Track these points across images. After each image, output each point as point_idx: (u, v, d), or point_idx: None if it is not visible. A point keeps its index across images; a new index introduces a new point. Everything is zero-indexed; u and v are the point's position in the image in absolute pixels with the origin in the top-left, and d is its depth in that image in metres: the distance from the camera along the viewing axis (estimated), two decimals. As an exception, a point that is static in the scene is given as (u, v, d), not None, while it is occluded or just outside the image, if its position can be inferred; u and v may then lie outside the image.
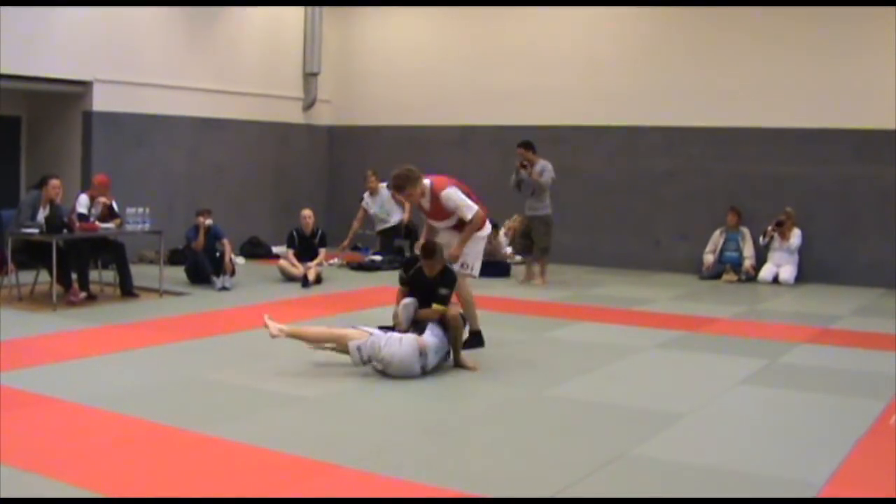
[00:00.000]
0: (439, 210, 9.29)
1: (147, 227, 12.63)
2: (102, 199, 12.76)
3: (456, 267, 9.19)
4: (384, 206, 16.45)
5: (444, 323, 8.70)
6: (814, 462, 6.20)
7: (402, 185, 9.13)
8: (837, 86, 15.20)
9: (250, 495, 5.36)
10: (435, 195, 9.21)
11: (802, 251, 15.38)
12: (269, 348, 9.44)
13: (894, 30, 14.79)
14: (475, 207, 9.25)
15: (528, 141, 14.83)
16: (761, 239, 15.54)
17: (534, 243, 14.87)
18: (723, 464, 6.17)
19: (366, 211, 16.47)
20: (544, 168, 14.56)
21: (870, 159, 15.10)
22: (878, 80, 14.87)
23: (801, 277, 15.36)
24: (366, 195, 16.50)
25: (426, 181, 9.20)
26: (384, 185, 15.59)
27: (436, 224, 9.46)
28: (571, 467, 6.01)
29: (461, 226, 9.30)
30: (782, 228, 15.31)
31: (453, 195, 9.22)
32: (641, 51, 16.86)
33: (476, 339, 9.50)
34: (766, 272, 15.45)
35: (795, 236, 15.30)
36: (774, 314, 12.66)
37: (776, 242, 15.45)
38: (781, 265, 15.40)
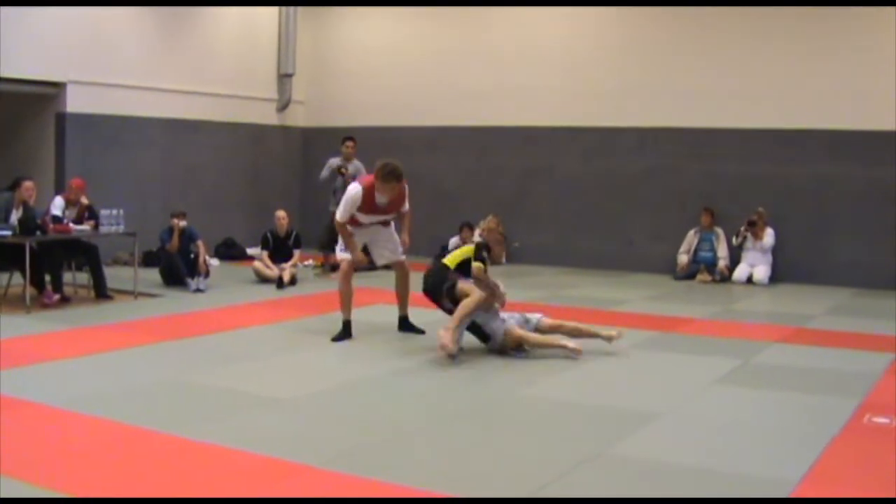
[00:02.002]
0: (398, 203, 9.99)
1: (121, 228, 12.60)
2: (84, 201, 12.76)
3: (401, 253, 10.30)
4: None
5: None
6: (788, 460, 6.23)
7: (402, 176, 9.69)
8: (811, 86, 15.29)
9: (226, 497, 5.35)
10: (401, 189, 9.88)
11: (776, 251, 15.46)
12: (244, 350, 9.48)
13: (868, 31, 14.91)
14: None
15: (352, 136, 15.61)
16: (734, 239, 15.62)
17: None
18: (698, 463, 6.19)
19: None
20: (358, 170, 15.08)
21: (843, 159, 15.20)
22: (851, 80, 14.98)
23: (775, 277, 15.43)
24: None
25: None
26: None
27: (379, 218, 10.03)
28: (547, 467, 6.02)
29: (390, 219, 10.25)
30: (755, 228, 15.39)
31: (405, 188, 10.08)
32: (616, 52, 16.89)
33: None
34: (740, 272, 15.52)
35: (768, 236, 15.38)
36: (748, 314, 12.70)
37: (749, 242, 15.52)
38: (755, 265, 15.47)
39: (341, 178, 15.06)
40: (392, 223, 10.34)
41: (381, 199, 9.75)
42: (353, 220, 9.88)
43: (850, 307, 13.30)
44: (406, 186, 9.93)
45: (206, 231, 14.82)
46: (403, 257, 10.42)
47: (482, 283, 9.34)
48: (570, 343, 9.49)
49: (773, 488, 5.69)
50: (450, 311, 9.38)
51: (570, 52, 17.27)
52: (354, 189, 9.74)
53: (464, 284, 9.31)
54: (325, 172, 15.34)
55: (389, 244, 10.29)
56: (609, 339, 9.63)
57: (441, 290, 9.43)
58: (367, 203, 9.72)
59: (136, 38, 16.21)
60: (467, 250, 9.68)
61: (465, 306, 9.10)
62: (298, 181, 19.59)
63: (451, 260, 9.65)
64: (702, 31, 16.19)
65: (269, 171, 18.86)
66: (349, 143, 15.31)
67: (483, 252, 9.58)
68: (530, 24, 17.57)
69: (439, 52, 18.45)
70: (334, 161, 15.33)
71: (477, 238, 15.69)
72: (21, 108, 15.56)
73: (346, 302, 10.14)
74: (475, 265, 9.38)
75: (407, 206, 10.13)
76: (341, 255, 10.25)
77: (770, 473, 5.98)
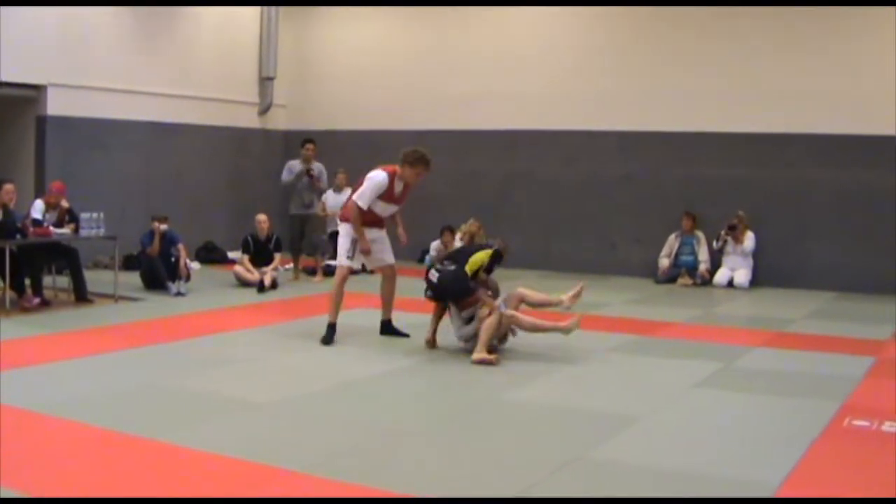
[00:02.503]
0: (407, 194, 10.33)
1: (102, 232, 12.57)
2: (64, 204, 12.71)
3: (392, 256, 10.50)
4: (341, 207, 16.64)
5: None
6: (769, 463, 6.24)
7: (430, 163, 10.09)
8: (792, 91, 15.33)
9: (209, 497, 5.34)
10: (417, 180, 10.20)
11: (757, 255, 15.51)
12: (224, 354, 9.46)
13: (848, 35, 14.98)
14: None
15: (312, 139, 15.84)
16: (715, 243, 15.66)
17: (304, 239, 15.67)
18: (679, 466, 6.20)
19: (324, 205, 16.59)
20: (321, 171, 15.56)
21: (823, 163, 15.26)
22: (831, 85, 15.03)
23: (756, 281, 15.47)
24: (330, 192, 16.59)
25: None
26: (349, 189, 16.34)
27: (392, 209, 10.30)
28: (529, 470, 6.02)
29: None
30: (735, 232, 15.44)
31: None
32: (597, 56, 16.92)
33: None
34: (721, 276, 15.56)
35: (749, 239, 15.43)
36: (729, 318, 12.74)
37: (730, 246, 15.57)
38: (736, 269, 15.52)
39: (307, 179, 15.28)
40: (385, 226, 10.46)
41: (398, 186, 10.04)
42: (370, 215, 10.08)
43: (830, 311, 13.35)
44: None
45: (186, 234, 14.80)
46: (393, 261, 10.52)
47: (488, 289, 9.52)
48: (563, 322, 9.60)
49: (754, 491, 5.71)
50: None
51: (551, 57, 17.29)
52: (380, 175, 9.96)
53: (483, 305, 9.42)
54: (286, 175, 15.47)
55: (384, 246, 10.42)
56: (567, 330, 9.59)
57: (466, 298, 9.51)
58: (389, 191, 10.00)
59: (117, 41, 16.17)
60: (483, 257, 9.69)
61: (490, 327, 9.23)
62: (279, 185, 19.53)
63: (470, 268, 9.62)
64: (682, 35, 16.22)
65: (250, 175, 18.80)
66: (309, 146, 15.49)
67: (495, 264, 9.76)
68: (512, 28, 17.60)
69: (421, 55, 18.46)
70: (295, 164, 15.45)
71: (457, 241, 15.71)
72: (1, 111, 15.48)
73: (335, 305, 10.18)
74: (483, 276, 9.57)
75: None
76: (343, 261, 10.26)
77: (751, 476, 6.00)
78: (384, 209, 10.16)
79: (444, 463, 6.25)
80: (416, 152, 9.98)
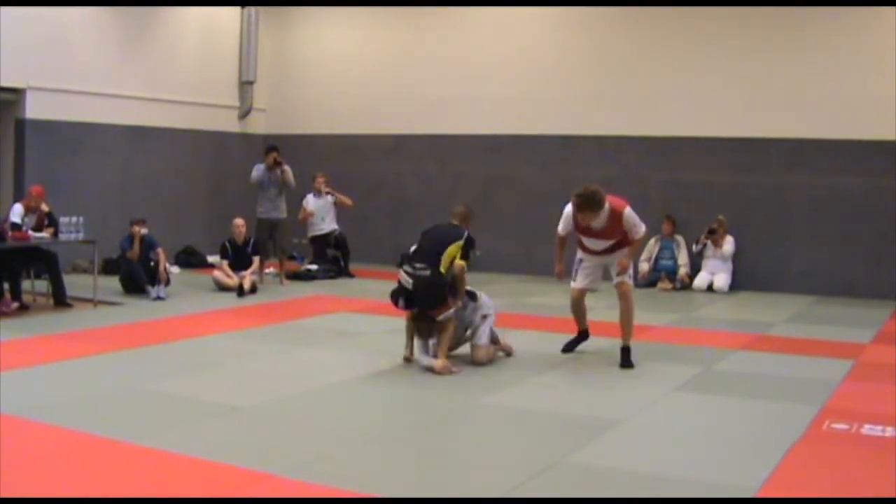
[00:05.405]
0: (614, 230, 9.47)
1: (81, 236, 12.52)
2: (43, 208, 12.66)
3: (625, 277, 9.68)
4: (321, 211, 16.54)
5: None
6: (748, 467, 6.26)
7: (592, 205, 9.20)
8: (770, 95, 15.38)
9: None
10: (616, 215, 9.38)
11: (736, 259, 15.55)
12: (204, 358, 9.43)
13: (824, 40, 15.03)
14: (643, 225, 9.59)
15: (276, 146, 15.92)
16: (694, 246, 15.69)
17: (276, 245, 15.76)
18: (658, 470, 6.21)
19: (304, 210, 16.52)
20: (287, 170, 15.53)
21: (802, 168, 15.30)
22: (809, 89, 15.08)
23: (735, 285, 15.51)
24: (310, 196, 16.55)
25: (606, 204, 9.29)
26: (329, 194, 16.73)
27: (596, 243, 9.69)
28: (508, 475, 6.02)
29: (620, 244, 9.62)
30: (715, 236, 15.47)
31: (632, 215, 9.47)
32: (577, 60, 16.93)
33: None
34: (701, 280, 15.59)
35: (728, 244, 15.46)
36: (709, 321, 12.76)
37: (709, 250, 15.60)
38: (715, 273, 15.55)
39: (278, 171, 15.38)
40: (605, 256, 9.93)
41: (584, 222, 9.44)
42: (581, 244, 9.88)
43: (809, 314, 13.38)
44: (629, 213, 9.42)
45: (166, 239, 14.74)
46: (620, 279, 9.78)
47: (460, 281, 9.33)
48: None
49: (734, 494, 5.72)
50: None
51: (530, 60, 17.29)
52: (568, 207, 9.56)
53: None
54: (256, 173, 15.52)
55: (616, 268, 9.86)
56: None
57: (444, 302, 9.18)
58: (577, 223, 9.54)
59: (97, 44, 16.11)
60: (454, 251, 9.34)
61: (448, 337, 9.11)
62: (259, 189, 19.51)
63: (444, 268, 9.25)
64: (663, 38, 16.24)
65: (229, 179, 18.70)
66: (276, 154, 15.50)
67: (469, 249, 9.45)
68: (491, 32, 17.59)
69: (401, 59, 18.43)
70: (261, 165, 15.54)
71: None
72: (-21, 115, 15.44)
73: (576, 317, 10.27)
74: (459, 264, 9.30)
75: (640, 232, 9.58)
76: (572, 285, 10.14)
77: (730, 480, 6.01)
78: (589, 243, 9.73)
79: (424, 466, 6.25)
80: (576, 196, 9.29)
